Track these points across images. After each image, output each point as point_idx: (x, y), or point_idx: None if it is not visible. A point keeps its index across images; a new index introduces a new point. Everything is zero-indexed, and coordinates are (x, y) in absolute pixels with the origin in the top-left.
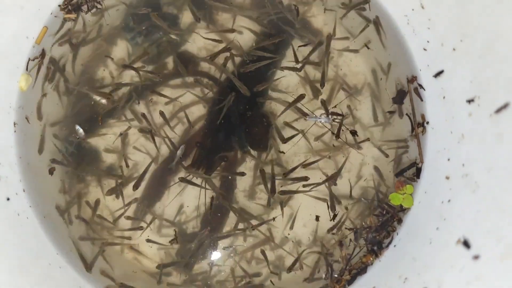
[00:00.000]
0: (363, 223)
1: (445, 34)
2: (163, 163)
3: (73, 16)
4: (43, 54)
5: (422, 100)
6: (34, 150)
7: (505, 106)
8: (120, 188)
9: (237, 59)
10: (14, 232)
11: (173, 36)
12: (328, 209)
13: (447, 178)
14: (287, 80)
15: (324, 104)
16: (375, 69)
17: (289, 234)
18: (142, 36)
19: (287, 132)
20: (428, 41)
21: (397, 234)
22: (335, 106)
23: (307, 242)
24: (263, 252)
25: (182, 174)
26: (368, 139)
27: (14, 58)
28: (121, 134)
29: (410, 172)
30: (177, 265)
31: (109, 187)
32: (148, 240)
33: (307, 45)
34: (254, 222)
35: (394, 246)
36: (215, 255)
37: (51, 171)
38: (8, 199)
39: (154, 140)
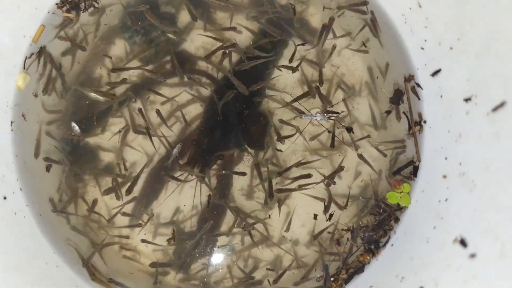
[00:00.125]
0: (360, 222)
1: (442, 33)
2: (160, 162)
3: (71, 15)
4: (40, 52)
5: (419, 99)
6: (31, 148)
7: (501, 104)
8: (118, 187)
9: (235, 58)
10: (11, 231)
11: (170, 35)
12: (324, 209)
13: (444, 177)
14: (285, 79)
15: (321, 94)
16: (372, 68)
17: (286, 232)
18: (139, 35)
19: (285, 131)
20: (425, 40)
21: (395, 233)
22: (332, 106)
23: (304, 241)
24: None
25: (178, 173)
26: (368, 136)
27: (11, 57)
28: (120, 131)
29: (407, 170)
30: (174, 264)
31: (106, 186)
32: (143, 240)
33: (304, 44)
34: (251, 221)
35: (392, 245)
36: (212, 254)
37: (48, 168)
38: (5, 198)
39: (150, 137)
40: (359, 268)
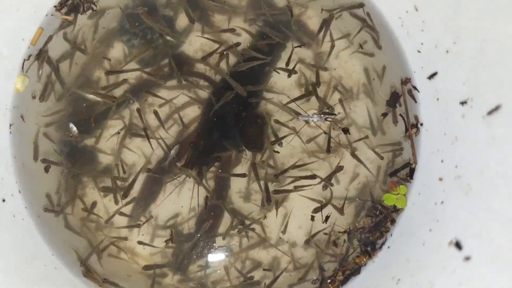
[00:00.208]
0: (357, 224)
1: (438, 36)
2: (157, 163)
3: (70, 18)
4: (38, 55)
5: (416, 101)
6: (29, 150)
7: (496, 108)
8: (117, 189)
9: (232, 60)
10: (9, 233)
11: (168, 38)
12: (316, 209)
13: (440, 179)
14: (283, 81)
15: (317, 95)
16: (369, 70)
17: (282, 234)
18: (138, 38)
19: (282, 133)
20: (422, 43)
21: (391, 235)
22: (328, 108)
23: (301, 243)
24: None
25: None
26: (366, 137)
27: (9, 59)
28: (118, 132)
29: (403, 172)
30: (171, 265)
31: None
32: (140, 242)
33: (302, 46)
34: (248, 222)
35: (388, 247)
36: (210, 256)
37: (46, 169)
38: (3, 200)
39: (148, 138)
40: (356, 270)
